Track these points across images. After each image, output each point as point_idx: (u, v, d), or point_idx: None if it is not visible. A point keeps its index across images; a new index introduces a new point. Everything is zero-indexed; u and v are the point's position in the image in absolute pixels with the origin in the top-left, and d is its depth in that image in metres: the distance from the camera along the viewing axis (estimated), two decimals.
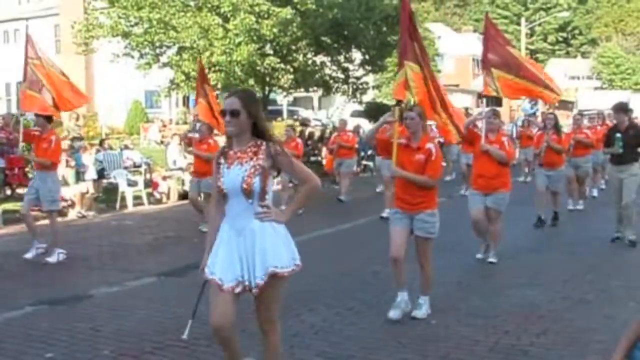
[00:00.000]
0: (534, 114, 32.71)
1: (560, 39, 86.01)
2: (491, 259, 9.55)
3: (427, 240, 7.06)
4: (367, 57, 27.04)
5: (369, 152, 24.70)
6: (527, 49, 65.86)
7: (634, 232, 10.74)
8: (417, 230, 7.01)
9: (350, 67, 27.27)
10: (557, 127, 12.86)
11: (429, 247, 7.10)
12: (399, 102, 7.79)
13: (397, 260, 6.99)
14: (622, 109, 11.12)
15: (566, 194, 14.36)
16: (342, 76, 27.17)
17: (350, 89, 27.44)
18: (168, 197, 18.41)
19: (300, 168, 4.96)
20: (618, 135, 10.60)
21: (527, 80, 9.79)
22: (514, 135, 24.50)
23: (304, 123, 31.45)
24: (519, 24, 65.91)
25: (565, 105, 55.54)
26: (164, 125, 33.49)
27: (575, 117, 15.90)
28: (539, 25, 75.99)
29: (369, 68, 27.87)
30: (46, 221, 11.27)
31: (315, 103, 46.29)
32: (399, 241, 7.01)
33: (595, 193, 16.90)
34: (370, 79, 32.09)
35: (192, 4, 23.21)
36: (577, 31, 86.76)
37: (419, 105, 7.47)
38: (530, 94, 10.81)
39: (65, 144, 19.60)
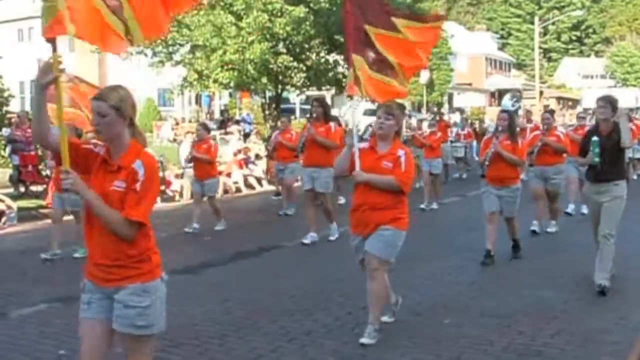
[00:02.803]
0: (516, 112, 30.38)
1: (574, 37, 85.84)
2: (365, 339, 6.18)
3: (138, 340, 4.00)
4: None
5: None
6: (540, 47, 65.73)
7: (608, 275, 7.94)
8: (116, 321, 3.92)
9: None
10: (511, 131, 9.74)
11: (142, 349, 4.05)
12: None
13: None
14: (608, 101, 8.02)
15: (535, 213, 11.77)
16: None
17: None
18: (181, 195, 18.45)
19: None
20: (595, 138, 7.81)
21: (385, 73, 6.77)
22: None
23: None
24: (532, 22, 65.78)
25: (576, 104, 55.35)
26: (177, 123, 33.61)
27: (544, 116, 12.38)
28: (553, 24, 75.80)
29: None
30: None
31: (328, 101, 46.28)
32: (90, 344, 3.95)
33: (584, 209, 12.52)
34: None
35: (205, 2, 23.22)
36: (590, 30, 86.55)
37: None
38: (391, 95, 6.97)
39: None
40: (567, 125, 20.52)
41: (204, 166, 12.92)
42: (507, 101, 28.31)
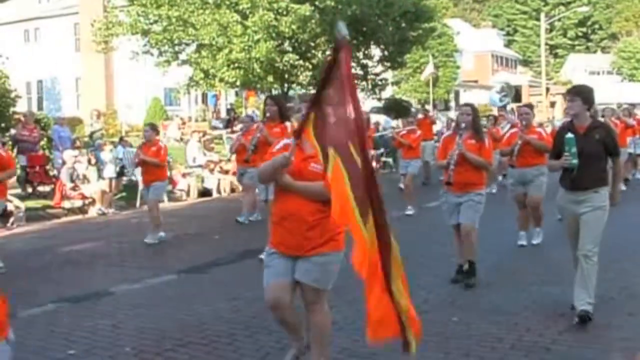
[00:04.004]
0: (504, 107, 27.56)
1: (580, 34, 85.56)
2: None
3: None
4: (386, 53, 27.00)
5: (387, 148, 24.62)
6: (546, 44, 65.59)
7: (591, 299, 6.64)
8: None
9: (369, 63, 27.23)
10: (476, 128, 8.34)
11: None
12: None
13: None
14: (577, 93, 6.73)
15: (518, 223, 10.62)
16: (361, 72, 27.13)
17: (369, 85, 27.41)
18: (188, 195, 18.49)
19: None
20: (570, 136, 6.53)
21: None
22: None
23: None
24: (538, 19, 65.57)
25: None
26: (183, 123, 33.63)
27: (522, 110, 10.76)
28: (559, 20, 75.58)
29: (387, 64, 27.84)
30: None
31: None
32: None
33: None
34: (389, 75, 32.05)
35: (210, 1, 23.24)
36: (597, 26, 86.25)
37: None
38: None
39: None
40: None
41: (152, 170, 11.84)
42: (494, 95, 25.60)
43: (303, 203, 4.92)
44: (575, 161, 6.46)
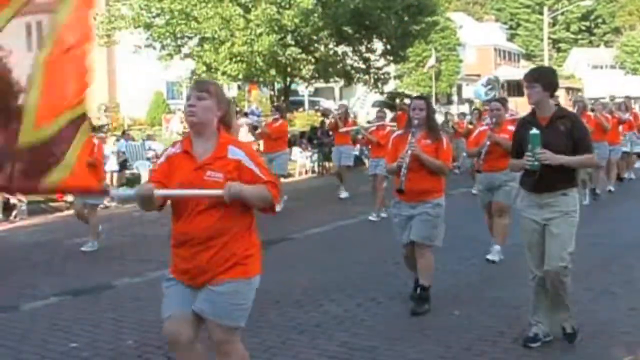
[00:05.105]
0: (490, 101, 26.54)
1: (583, 27, 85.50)
2: None
3: None
4: (388, 47, 27.01)
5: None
6: (549, 38, 65.53)
7: (573, 317, 5.96)
8: None
9: (372, 57, 27.24)
10: (431, 126, 7.04)
11: None
12: None
13: None
14: (535, 78, 5.62)
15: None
16: (364, 66, 27.16)
17: (372, 79, 27.43)
18: None
19: None
20: (535, 132, 5.47)
21: None
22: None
23: (325, 114, 31.43)
24: (541, 13, 65.53)
25: (575, 93, 55.02)
26: None
27: (494, 106, 9.21)
28: (562, 14, 75.55)
29: (390, 58, 27.85)
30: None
31: (337, 93, 46.25)
32: None
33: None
34: (392, 69, 31.99)
35: None
36: (600, 20, 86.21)
37: None
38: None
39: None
40: None
41: None
42: (480, 88, 23.24)
43: (207, 225, 4.00)
44: (537, 163, 5.45)
